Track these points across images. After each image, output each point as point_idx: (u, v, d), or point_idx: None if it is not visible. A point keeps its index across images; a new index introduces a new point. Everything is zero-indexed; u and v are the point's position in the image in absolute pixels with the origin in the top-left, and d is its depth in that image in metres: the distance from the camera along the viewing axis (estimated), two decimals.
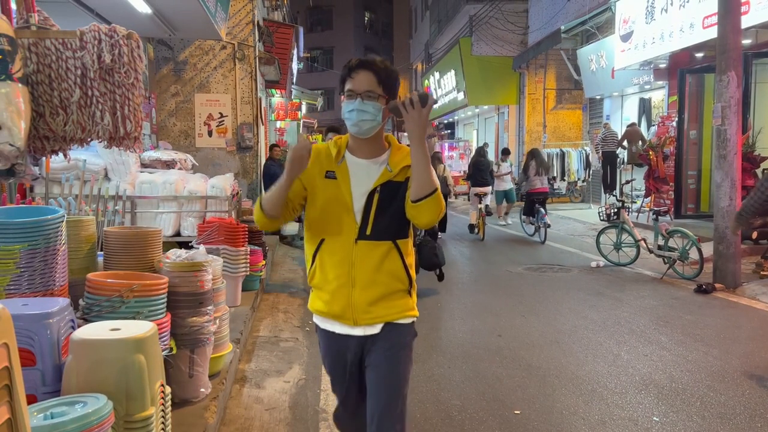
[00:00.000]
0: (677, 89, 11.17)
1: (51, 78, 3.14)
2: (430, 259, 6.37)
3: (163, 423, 2.23)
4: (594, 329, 5.26)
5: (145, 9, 6.50)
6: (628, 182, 11.19)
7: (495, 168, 12.86)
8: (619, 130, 13.95)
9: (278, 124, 19.37)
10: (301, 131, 23.71)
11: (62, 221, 2.51)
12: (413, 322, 2.17)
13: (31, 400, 1.93)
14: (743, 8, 7.39)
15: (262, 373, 4.20)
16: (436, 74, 24.09)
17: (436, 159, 11.22)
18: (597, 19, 13.66)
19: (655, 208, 8.72)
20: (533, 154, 11.19)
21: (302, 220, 2.21)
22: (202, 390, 3.20)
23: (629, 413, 3.56)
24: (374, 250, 2.05)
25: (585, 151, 16.37)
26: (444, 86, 22.62)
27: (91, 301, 2.57)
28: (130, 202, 5.90)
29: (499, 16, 19.13)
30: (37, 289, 2.41)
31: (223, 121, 10.39)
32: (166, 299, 2.77)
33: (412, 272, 2.14)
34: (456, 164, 21.48)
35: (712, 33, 7.93)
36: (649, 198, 11.66)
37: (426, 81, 26.38)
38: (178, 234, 6.21)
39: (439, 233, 7.85)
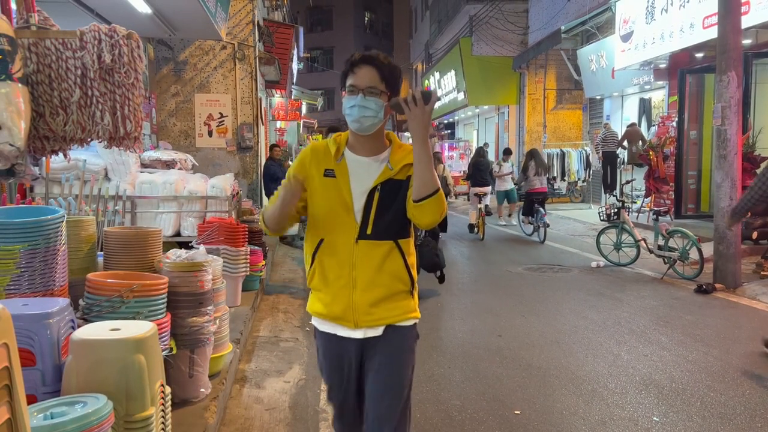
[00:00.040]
0: (677, 89, 11.17)
1: (51, 78, 3.14)
2: (432, 259, 6.36)
3: (163, 423, 2.23)
4: (594, 329, 5.26)
5: (145, 9, 6.50)
6: (628, 182, 11.19)
7: (496, 168, 12.87)
8: (619, 130, 13.96)
9: (278, 124, 19.37)
10: (301, 131, 23.73)
11: (62, 221, 2.51)
12: (415, 324, 2.11)
13: (31, 400, 1.93)
14: (743, 8, 7.39)
15: (262, 373, 4.20)
16: (437, 74, 24.10)
17: (436, 159, 11.24)
18: (597, 19, 13.66)
19: (656, 208, 8.72)
20: (532, 154, 11.26)
21: (302, 221, 2.19)
22: (202, 390, 3.20)
23: (629, 413, 3.56)
24: (375, 250, 2.00)
25: (585, 151, 16.37)
26: (444, 86, 22.62)
27: (91, 301, 2.57)
28: (130, 202, 5.90)
29: (499, 16, 19.13)
30: (37, 289, 2.41)
31: (223, 121, 10.39)
32: (166, 299, 2.77)
33: (414, 273, 2.08)
34: (456, 164, 21.50)
35: (712, 33, 7.93)
36: (650, 198, 11.66)
37: (426, 81, 26.38)
38: (178, 234, 6.21)
39: (440, 233, 7.83)
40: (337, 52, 40.19)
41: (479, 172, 11.76)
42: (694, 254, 7.23)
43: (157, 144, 9.00)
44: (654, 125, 12.68)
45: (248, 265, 5.43)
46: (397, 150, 2.06)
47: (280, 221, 2.05)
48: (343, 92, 2.00)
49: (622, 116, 14.95)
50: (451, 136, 28.36)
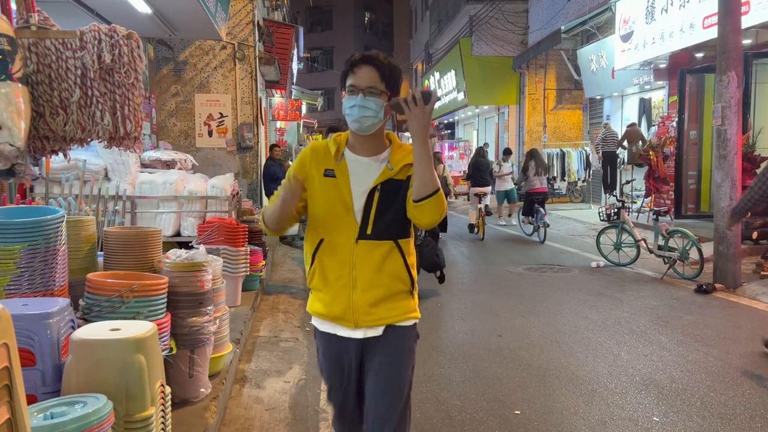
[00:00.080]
0: (677, 89, 11.17)
1: (51, 78, 3.14)
2: (432, 260, 6.35)
3: (163, 423, 2.23)
4: (594, 329, 5.26)
5: (145, 9, 6.50)
6: (628, 182, 11.20)
7: (496, 168, 12.88)
8: (620, 130, 13.96)
9: (278, 124, 19.37)
10: (301, 131, 23.74)
11: (62, 221, 2.51)
12: (415, 324, 2.11)
13: (31, 400, 1.93)
14: (743, 8, 7.39)
15: (262, 373, 4.20)
16: (437, 74, 24.10)
17: (436, 159, 11.25)
18: (597, 19, 13.66)
19: (656, 208, 8.73)
20: (532, 154, 11.29)
21: (302, 221, 2.19)
22: (202, 390, 3.20)
23: (629, 413, 3.56)
24: (375, 250, 2.00)
25: (585, 151, 16.38)
26: (444, 86, 22.62)
27: (91, 301, 2.57)
28: (130, 202, 5.90)
29: (499, 16, 19.13)
30: (37, 289, 2.41)
31: (223, 121, 10.39)
32: (166, 299, 2.77)
33: (414, 273, 2.08)
34: (456, 164, 21.51)
35: (712, 33, 7.93)
36: (650, 198, 11.66)
37: (426, 81, 26.38)
38: (178, 234, 6.21)
39: (440, 233, 7.83)
40: (337, 52, 40.20)
41: (479, 172, 11.78)
42: (694, 254, 7.23)
43: (157, 144, 9.00)
44: (654, 125, 12.68)
45: (248, 265, 5.43)
46: (397, 150, 2.05)
47: (280, 221, 2.05)
48: (343, 92, 1.99)
49: (622, 116, 14.96)
50: (451, 136, 28.36)
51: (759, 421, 3.45)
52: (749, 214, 7.55)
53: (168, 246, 4.64)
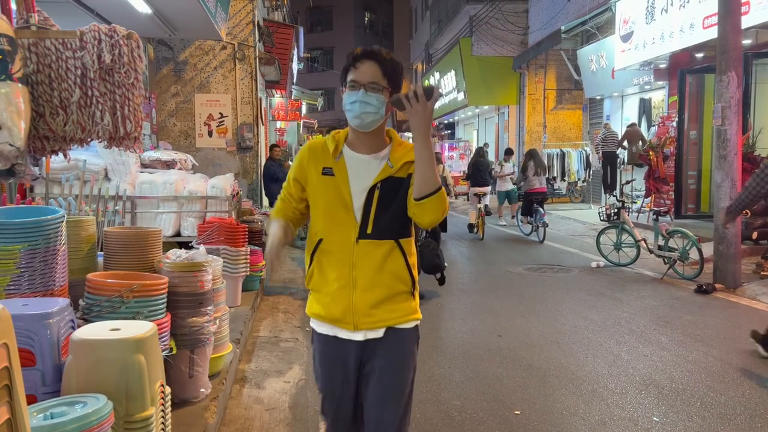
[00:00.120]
0: (677, 89, 11.17)
1: (51, 78, 3.14)
2: (432, 260, 6.32)
3: (163, 423, 2.23)
4: (594, 329, 5.26)
5: (145, 9, 6.50)
6: (628, 182, 11.20)
7: (497, 168, 12.88)
8: (620, 130, 13.96)
9: (278, 124, 19.37)
10: (301, 131, 23.74)
11: (62, 221, 2.51)
12: (416, 326, 2.06)
13: (31, 400, 1.93)
14: (743, 8, 7.38)
15: (262, 374, 4.20)
16: (437, 74, 24.10)
17: (436, 159, 11.24)
18: (597, 19, 13.66)
19: (656, 209, 8.72)
20: (531, 154, 11.36)
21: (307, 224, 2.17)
22: (202, 390, 3.20)
23: (629, 413, 3.56)
24: (376, 250, 1.95)
25: (585, 151, 16.38)
26: (444, 86, 22.63)
27: (91, 301, 2.57)
28: (130, 202, 5.90)
29: (499, 17, 19.13)
30: (37, 289, 2.41)
31: (224, 121, 10.40)
32: (166, 299, 2.77)
33: (415, 273, 2.03)
34: (456, 164, 21.52)
35: (712, 33, 7.93)
36: (650, 198, 11.66)
37: (426, 81, 26.38)
38: (178, 234, 6.22)
39: (441, 233, 7.82)
40: (337, 52, 40.19)
41: (479, 172, 11.79)
42: (694, 254, 7.23)
43: (157, 144, 9.01)
44: (654, 125, 12.68)
45: (248, 265, 5.43)
46: (397, 147, 2.01)
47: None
48: (343, 89, 1.95)
49: (622, 116, 14.96)
50: (451, 136, 28.37)
51: (759, 421, 3.45)
52: (749, 213, 7.57)
53: (168, 246, 4.64)
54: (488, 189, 11.91)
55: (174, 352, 2.88)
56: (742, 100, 7.26)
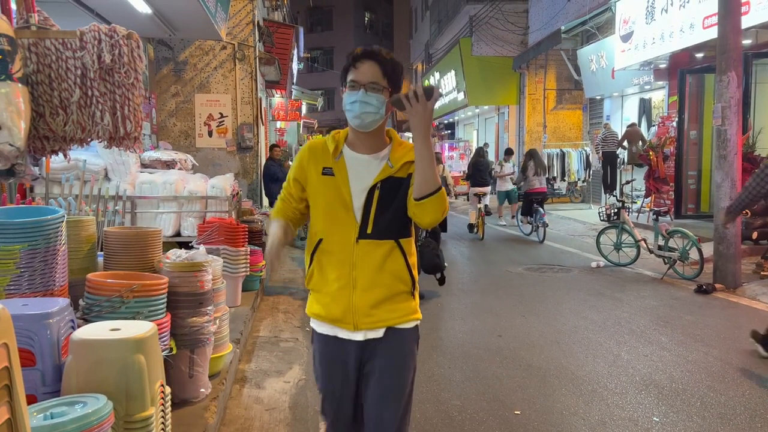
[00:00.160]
0: (677, 89, 11.17)
1: (51, 78, 3.14)
2: (432, 260, 6.31)
3: (163, 423, 2.23)
4: (594, 329, 5.26)
5: (145, 9, 6.51)
6: (628, 182, 11.20)
7: (498, 168, 12.88)
8: (620, 130, 13.96)
9: (278, 124, 19.38)
10: (301, 131, 23.75)
11: (62, 221, 2.51)
12: (417, 326, 2.05)
13: (31, 400, 1.93)
14: (743, 8, 7.38)
15: (262, 374, 4.20)
16: (437, 74, 24.11)
17: (436, 159, 11.25)
18: (597, 19, 13.66)
19: (656, 209, 8.73)
20: (531, 154, 11.39)
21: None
22: (202, 390, 3.20)
23: (629, 413, 3.56)
24: (376, 250, 1.95)
25: (585, 151, 16.38)
26: (444, 86, 22.63)
27: (91, 301, 2.57)
28: (130, 202, 5.90)
29: (499, 17, 19.13)
30: (37, 289, 2.41)
31: (224, 121, 10.40)
32: (166, 299, 2.77)
33: (415, 273, 2.03)
34: (456, 164, 21.53)
35: (712, 33, 7.93)
36: (650, 198, 11.66)
37: (426, 81, 26.37)
38: (178, 234, 6.22)
39: (441, 233, 7.82)
40: (337, 52, 40.20)
41: (479, 172, 11.81)
42: (694, 254, 7.23)
43: (157, 144, 9.01)
44: (654, 125, 12.69)
45: (248, 265, 5.43)
46: (397, 147, 2.01)
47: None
48: (343, 89, 1.95)
49: (622, 116, 14.96)
50: (451, 136, 28.38)
51: (759, 421, 3.45)
52: (749, 213, 7.57)
53: (168, 246, 4.64)
54: (488, 189, 11.93)
55: (174, 352, 2.88)
56: (742, 100, 7.26)
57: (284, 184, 2.11)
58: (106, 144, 3.33)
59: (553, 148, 16.71)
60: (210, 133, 10.40)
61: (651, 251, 7.82)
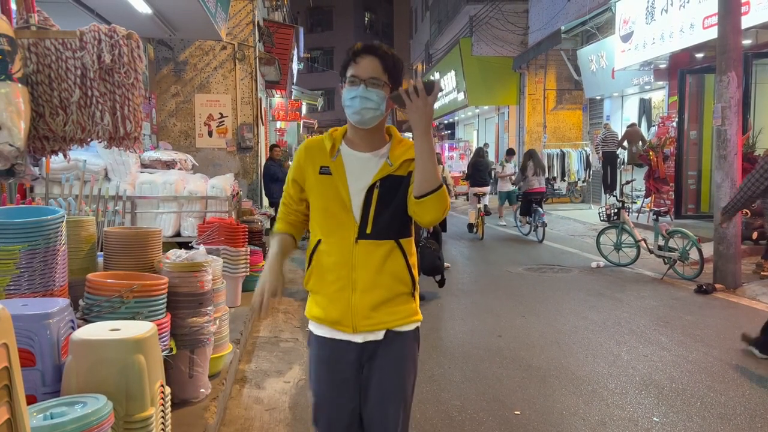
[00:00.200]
0: (677, 90, 11.17)
1: (51, 78, 3.14)
2: (434, 262, 6.29)
3: (162, 423, 2.23)
4: (594, 330, 5.26)
5: (145, 9, 6.51)
6: (628, 182, 11.21)
7: (499, 169, 12.88)
8: (620, 130, 13.96)
9: (278, 124, 19.38)
10: (301, 131, 23.75)
11: (62, 221, 2.51)
12: (417, 328, 2.01)
13: (31, 400, 1.93)
14: (743, 8, 7.38)
15: (262, 374, 4.20)
16: (437, 74, 24.10)
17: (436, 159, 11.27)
18: (597, 19, 13.66)
19: (656, 209, 8.72)
20: (530, 154, 11.43)
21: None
22: (202, 390, 3.20)
23: (629, 413, 3.56)
24: (376, 251, 1.90)
25: (585, 151, 16.37)
26: (444, 86, 22.64)
27: (91, 301, 2.57)
28: (130, 202, 5.90)
29: (499, 17, 19.13)
30: (37, 289, 2.41)
31: (224, 121, 10.40)
32: (166, 299, 2.77)
33: (416, 273, 1.98)
34: (456, 164, 21.54)
35: (712, 33, 7.93)
36: (650, 198, 11.66)
37: (430, 76, 26.39)
38: (178, 234, 6.22)
39: (442, 232, 7.81)
40: (337, 52, 40.20)
41: (478, 172, 11.82)
42: (694, 254, 7.23)
43: (157, 144, 9.01)
44: (654, 125, 12.69)
45: (248, 265, 5.43)
46: (397, 145, 1.96)
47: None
48: (342, 85, 1.91)
49: (622, 116, 14.95)
50: (451, 136, 28.39)
51: (759, 421, 3.45)
52: (749, 213, 7.57)
53: (168, 246, 4.64)
54: (488, 189, 11.95)
55: (174, 352, 2.88)
56: (742, 100, 7.26)
57: (285, 186, 2.08)
58: (106, 144, 3.33)
59: (553, 148, 16.71)
60: (210, 133, 10.40)
61: (651, 251, 7.82)
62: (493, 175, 12.93)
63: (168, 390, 2.29)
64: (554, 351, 4.70)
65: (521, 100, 18.79)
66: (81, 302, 2.59)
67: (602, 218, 8.78)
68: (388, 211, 1.91)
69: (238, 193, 6.81)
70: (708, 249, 7.37)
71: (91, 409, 1.79)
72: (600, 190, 14.91)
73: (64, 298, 2.39)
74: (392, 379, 1.95)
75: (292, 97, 19.18)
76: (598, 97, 15.59)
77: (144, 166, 6.75)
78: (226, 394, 3.58)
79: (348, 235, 1.91)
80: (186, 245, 5.25)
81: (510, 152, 13.62)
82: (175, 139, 10.12)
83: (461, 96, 20.42)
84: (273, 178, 10.50)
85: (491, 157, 18.80)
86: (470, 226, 11.72)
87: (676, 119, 11.08)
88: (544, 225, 10.54)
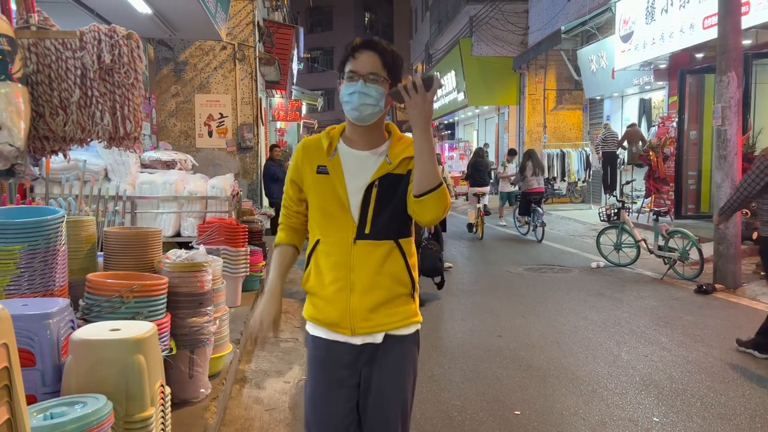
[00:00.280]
0: (677, 90, 11.17)
1: (51, 78, 3.14)
2: (434, 264, 6.28)
3: (162, 423, 2.23)
4: (594, 330, 5.26)
5: (145, 9, 6.51)
6: (628, 183, 11.22)
7: (501, 169, 12.88)
8: (620, 130, 13.96)
9: (278, 124, 19.38)
10: (301, 132, 23.75)
11: (62, 221, 2.51)
12: (417, 330, 1.97)
13: (31, 400, 1.93)
14: (743, 9, 7.39)
15: (262, 374, 4.20)
16: (437, 74, 24.09)
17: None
18: (597, 19, 13.66)
19: (656, 209, 8.72)
20: (529, 154, 11.48)
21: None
22: (202, 390, 3.20)
23: (629, 414, 3.56)
24: (375, 251, 1.86)
25: (585, 151, 16.37)
26: (444, 87, 22.64)
27: (91, 301, 2.57)
28: (131, 202, 5.90)
29: (500, 17, 19.13)
30: (37, 289, 2.41)
31: (224, 121, 10.40)
32: (166, 300, 2.77)
33: (415, 274, 1.93)
34: (456, 164, 21.55)
35: (712, 33, 7.93)
36: (650, 198, 11.66)
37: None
38: (178, 234, 6.22)
39: (442, 232, 7.81)
40: (337, 52, 40.13)
41: (478, 172, 11.84)
42: (694, 255, 7.23)
43: (157, 144, 9.01)
44: (654, 126, 12.68)
45: (248, 265, 5.43)
46: (396, 143, 1.92)
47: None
48: (340, 81, 1.88)
49: (622, 117, 14.96)
50: (451, 136, 28.39)
51: (759, 422, 3.45)
52: (749, 214, 7.57)
53: (168, 246, 4.64)
54: (487, 189, 11.98)
55: (174, 352, 2.88)
56: (742, 100, 7.26)
57: (284, 188, 2.05)
58: (106, 144, 3.33)
59: (553, 148, 16.71)
60: (210, 134, 10.40)
61: (651, 251, 7.82)
62: (492, 175, 12.92)
63: (168, 390, 2.29)
64: (554, 351, 4.70)
65: (521, 100, 18.79)
66: (81, 302, 2.59)
67: (602, 218, 8.78)
68: (387, 210, 1.87)
69: (238, 193, 6.81)
70: (708, 249, 7.37)
71: (91, 409, 1.79)
72: (600, 190, 14.91)
73: (64, 298, 2.39)
74: (392, 382, 1.91)
75: (292, 97, 19.18)
76: (598, 98, 15.59)
77: (144, 166, 6.75)
78: (226, 394, 3.58)
79: (346, 235, 1.87)
80: (186, 245, 5.25)
81: (512, 152, 13.63)
82: (175, 139, 10.12)
83: (461, 96, 20.42)
84: (273, 178, 10.50)
85: (491, 158, 18.81)
86: (470, 226, 11.74)
87: (676, 119, 11.08)
88: (543, 225, 10.57)
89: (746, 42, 8.59)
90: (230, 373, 3.81)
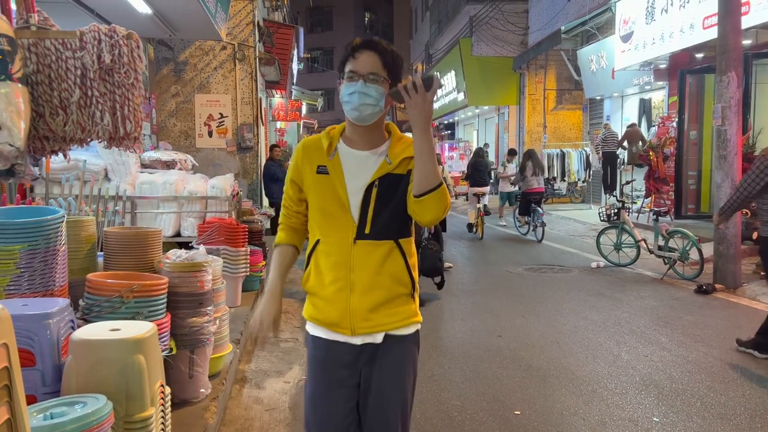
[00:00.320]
0: (677, 90, 11.17)
1: (51, 78, 3.14)
2: (434, 264, 6.27)
3: (162, 423, 2.23)
4: (594, 330, 5.26)
5: (145, 9, 6.51)
6: (628, 183, 11.21)
7: (501, 169, 12.89)
8: (620, 130, 13.96)
9: (278, 124, 19.38)
10: (301, 132, 23.76)
11: (62, 221, 2.51)
12: (417, 330, 1.97)
13: (31, 400, 1.93)
14: (743, 9, 7.39)
15: (262, 374, 4.20)
16: (437, 74, 24.10)
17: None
18: (597, 19, 13.66)
19: (656, 209, 8.72)
20: (529, 154, 11.49)
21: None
22: (202, 390, 3.20)
23: (629, 414, 3.56)
24: (375, 251, 1.86)
25: (585, 151, 16.37)
26: (444, 87, 22.64)
27: (91, 301, 2.57)
28: (131, 202, 5.90)
29: (500, 17, 19.13)
30: (37, 289, 2.41)
31: (224, 121, 10.40)
32: (166, 300, 2.77)
33: (415, 274, 1.93)
34: (456, 165, 21.55)
35: (713, 33, 7.93)
36: (650, 198, 11.66)
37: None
38: (178, 234, 6.22)
39: (442, 232, 7.81)
40: (337, 52, 40.13)
41: (478, 172, 11.85)
42: (694, 255, 7.23)
43: (157, 144, 9.01)
44: (654, 126, 12.69)
45: (248, 265, 5.43)
46: (396, 143, 1.92)
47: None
48: (340, 81, 1.88)
49: (622, 117, 14.96)
50: (451, 136, 28.39)
51: (759, 422, 3.45)
52: (749, 214, 7.57)
53: (168, 246, 4.64)
54: (487, 189, 11.99)
55: (174, 352, 2.88)
56: (742, 100, 7.26)
57: (284, 188, 2.06)
58: (106, 144, 3.33)
59: (553, 148, 16.71)
60: (210, 134, 10.40)
61: (651, 251, 7.82)
62: (492, 175, 12.93)
63: (168, 390, 2.29)
64: (554, 351, 4.70)
65: (521, 100, 18.80)
66: (81, 302, 2.59)
67: (602, 218, 8.78)
68: (387, 210, 1.87)
69: (238, 193, 6.81)
70: (708, 249, 7.37)
71: (91, 409, 1.79)
72: (600, 190, 14.91)
73: (64, 298, 2.39)
74: (392, 382, 1.91)
75: (292, 97, 19.18)
76: (598, 98, 15.60)
77: (144, 166, 6.75)
78: (226, 394, 3.58)
79: (346, 235, 1.87)
80: (186, 245, 5.25)
81: (512, 152, 13.63)
82: (175, 139, 10.12)
83: (461, 96, 20.42)
84: (273, 178, 10.51)
85: (491, 158, 18.80)
86: (470, 226, 11.75)
87: (676, 119, 11.08)
88: (543, 225, 10.57)
89: (746, 42, 8.59)
90: (230, 373, 3.81)
